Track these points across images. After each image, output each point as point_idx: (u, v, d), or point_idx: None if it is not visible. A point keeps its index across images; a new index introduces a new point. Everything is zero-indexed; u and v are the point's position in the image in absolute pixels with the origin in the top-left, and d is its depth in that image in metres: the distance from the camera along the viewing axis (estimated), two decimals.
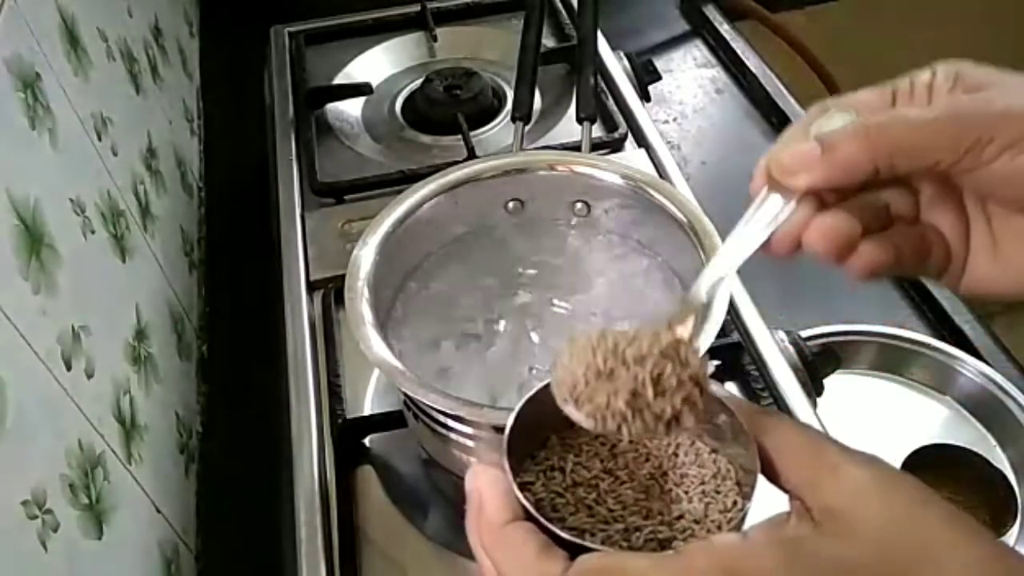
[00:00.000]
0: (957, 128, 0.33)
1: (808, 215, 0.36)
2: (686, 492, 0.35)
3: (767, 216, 0.37)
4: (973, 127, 0.33)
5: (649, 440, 0.37)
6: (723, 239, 0.47)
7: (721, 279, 0.38)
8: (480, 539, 0.33)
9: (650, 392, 0.34)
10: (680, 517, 0.34)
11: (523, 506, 0.32)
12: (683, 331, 0.38)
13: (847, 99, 0.37)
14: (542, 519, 0.32)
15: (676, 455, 0.36)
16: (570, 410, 0.35)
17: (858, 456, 0.31)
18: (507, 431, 0.35)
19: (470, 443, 0.51)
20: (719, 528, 0.33)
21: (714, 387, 0.35)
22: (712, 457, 0.36)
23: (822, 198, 0.36)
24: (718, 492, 0.35)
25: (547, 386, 0.35)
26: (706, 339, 0.46)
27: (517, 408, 0.36)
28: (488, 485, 0.33)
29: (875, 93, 0.37)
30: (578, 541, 0.31)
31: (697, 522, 0.33)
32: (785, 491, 0.32)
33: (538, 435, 0.37)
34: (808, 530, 0.30)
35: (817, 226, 0.35)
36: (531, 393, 0.36)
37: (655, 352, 0.36)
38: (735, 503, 0.34)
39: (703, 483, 0.35)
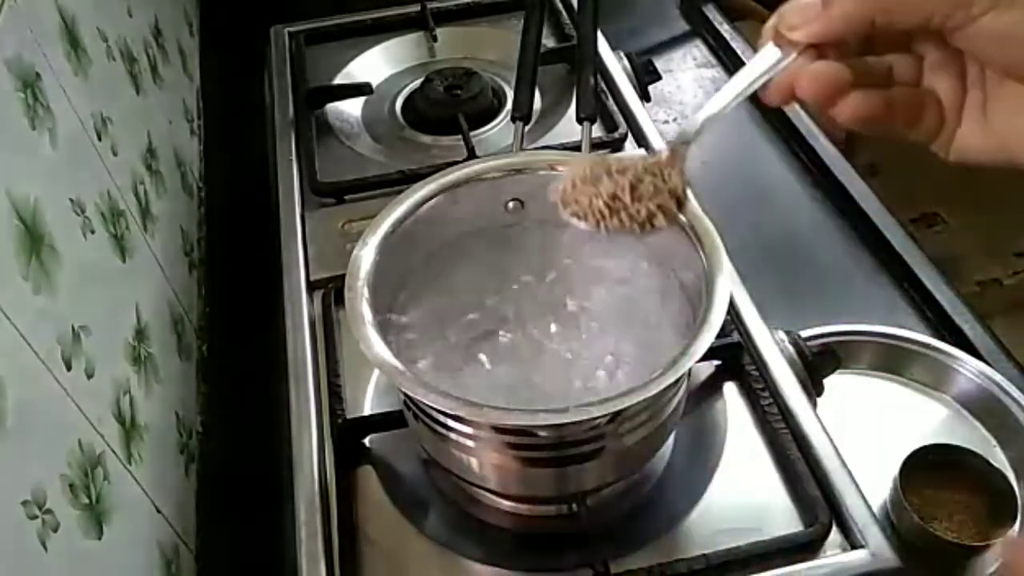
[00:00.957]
0: None
1: (804, 66, 0.38)
2: None
3: (765, 64, 0.39)
4: None
5: None
6: (723, 239, 0.49)
7: (713, 116, 0.41)
8: None
9: (628, 196, 0.40)
10: None
11: None
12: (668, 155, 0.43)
13: None
14: None
15: None
16: (559, 211, 0.39)
17: None
18: None
19: (470, 443, 0.51)
20: None
21: None
22: None
23: (824, 56, 0.38)
24: None
25: None
26: (706, 339, 0.46)
27: None
28: None
29: None
30: None
31: None
32: None
33: None
34: None
35: (808, 71, 0.37)
36: None
37: (638, 167, 0.42)
38: None
39: None
